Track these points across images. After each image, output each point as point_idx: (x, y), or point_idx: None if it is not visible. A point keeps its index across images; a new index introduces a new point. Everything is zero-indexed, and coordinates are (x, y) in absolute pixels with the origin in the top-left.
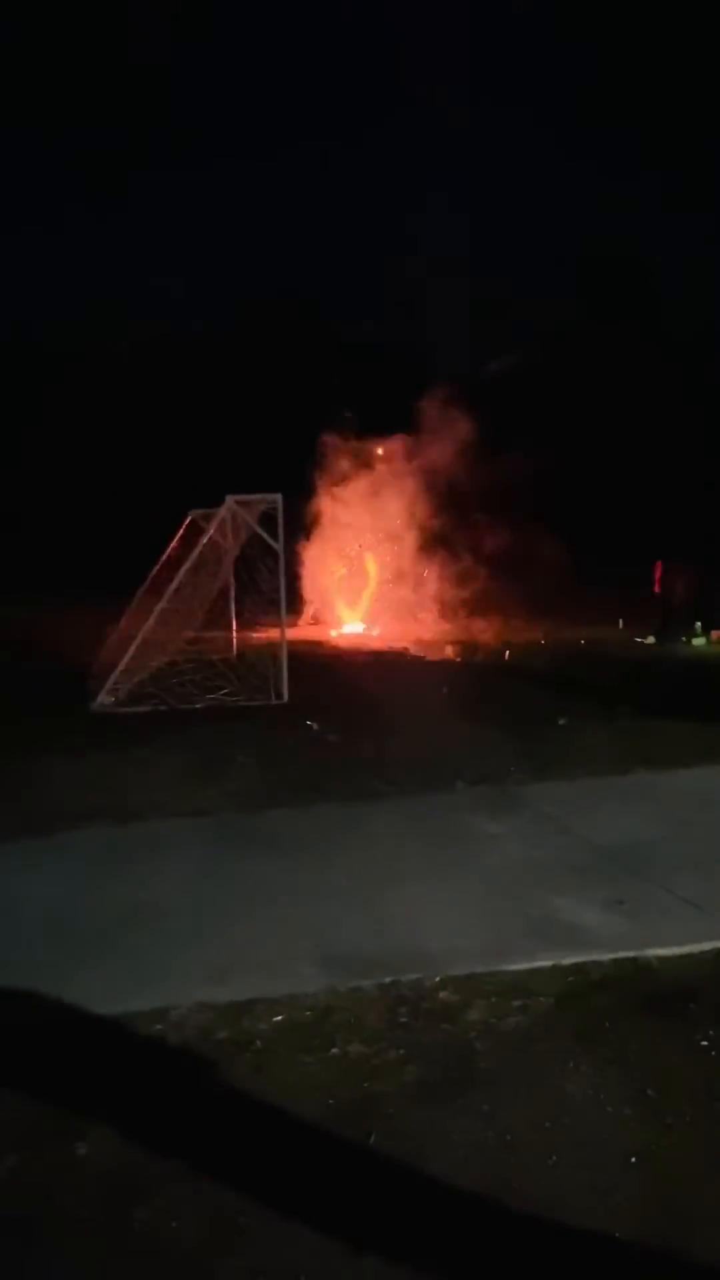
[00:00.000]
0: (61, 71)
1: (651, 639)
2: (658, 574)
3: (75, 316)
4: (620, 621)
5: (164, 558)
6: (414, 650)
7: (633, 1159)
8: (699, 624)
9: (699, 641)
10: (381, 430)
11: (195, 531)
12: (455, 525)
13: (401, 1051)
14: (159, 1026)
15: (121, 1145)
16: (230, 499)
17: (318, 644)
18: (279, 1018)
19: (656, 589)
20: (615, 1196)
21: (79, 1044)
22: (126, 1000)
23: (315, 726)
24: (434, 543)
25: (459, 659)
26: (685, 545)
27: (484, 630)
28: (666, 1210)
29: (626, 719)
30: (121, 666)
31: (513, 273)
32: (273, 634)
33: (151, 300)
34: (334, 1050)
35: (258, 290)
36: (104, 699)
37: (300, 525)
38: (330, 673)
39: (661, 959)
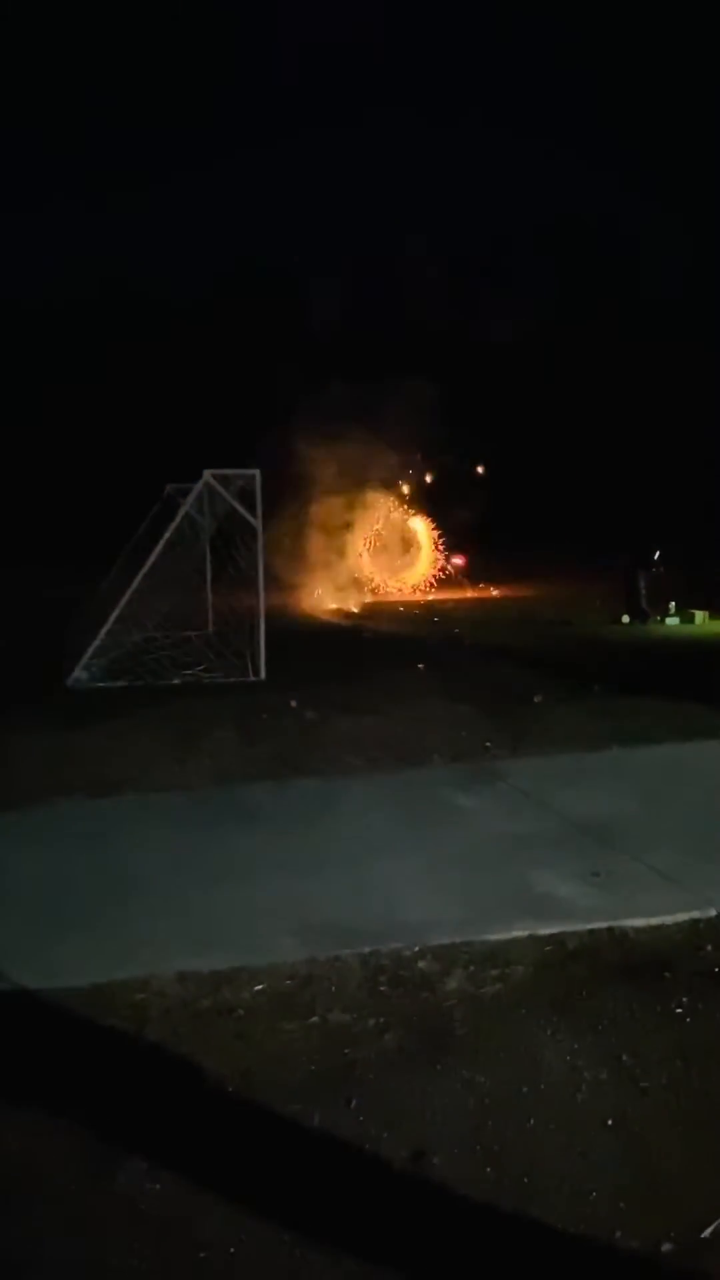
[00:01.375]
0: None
1: (626, 618)
2: (626, 555)
3: (49, 287)
4: (598, 601)
5: (139, 532)
6: (390, 626)
7: (609, 1122)
8: (673, 604)
9: (673, 621)
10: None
11: (171, 506)
12: (441, 501)
13: (381, 1019)
14: (140, 996)
15: (100, 1112)
16: (207, 474)
17: (295, 618)
18: (260, 987)
19: (623, 569)
20: (591, 1158)
21: (58, 1015)
22: (107, 971)
23: (294, 704)
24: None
25: (437, 636)
26: (656, 527)
27: (464, 606)
28: (641, 1171)
29: (601, 696)
30: (97, 642)
31: (491, 252)
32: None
33: (125, 273)
34: (314, 1018)
35: (237, 266)
36: (79, 675)
37: (284, 499)
38: (308, 649)
39: (637, 929)
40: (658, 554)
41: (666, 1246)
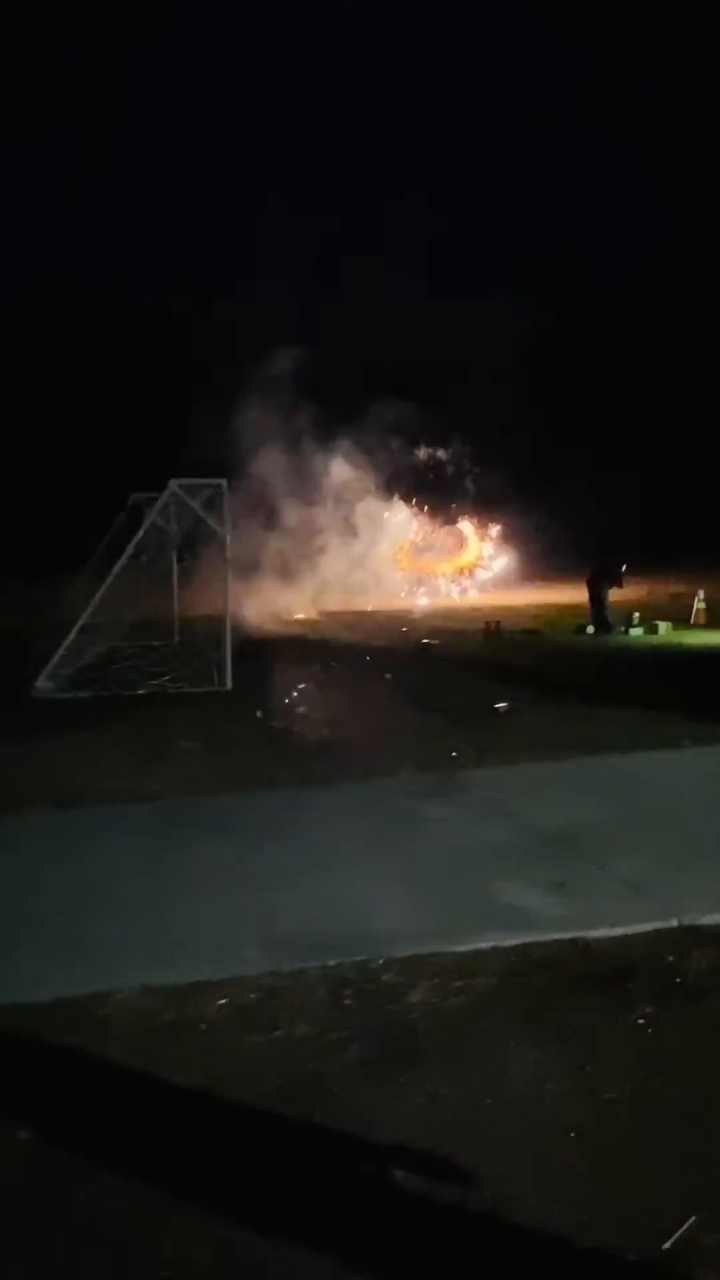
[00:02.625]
0: None
1: (591, 629)
2: (592, 568)
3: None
4: (563, 610)
5: (106, 542)
6: (358, 636)
7: (572, 1134)
8: (636, 614)
9: (636, 632)
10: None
11: (137, 515)
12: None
13: (345, 1032)
14: (103, 1010)
15: (63, 1129)
16: (173, 483)
17: (262, 628)
18: (224, 1000)
19: (588, 581)
20: (554, 1171)
21: (19, 1029)
22: (70, 985)
23: (260, 714)
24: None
25: (405, 645)
26: (622, 541)
27: (432, 616)
28: (604, 1183)
29: (566, 706)
30: (61, 651)
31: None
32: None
33: (92, 281)
34: (279, 1031)
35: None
36: (44, 684)
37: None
38: (275, 659)
39: (600, 940)
40: (624, 567)
41: (630, 1258)
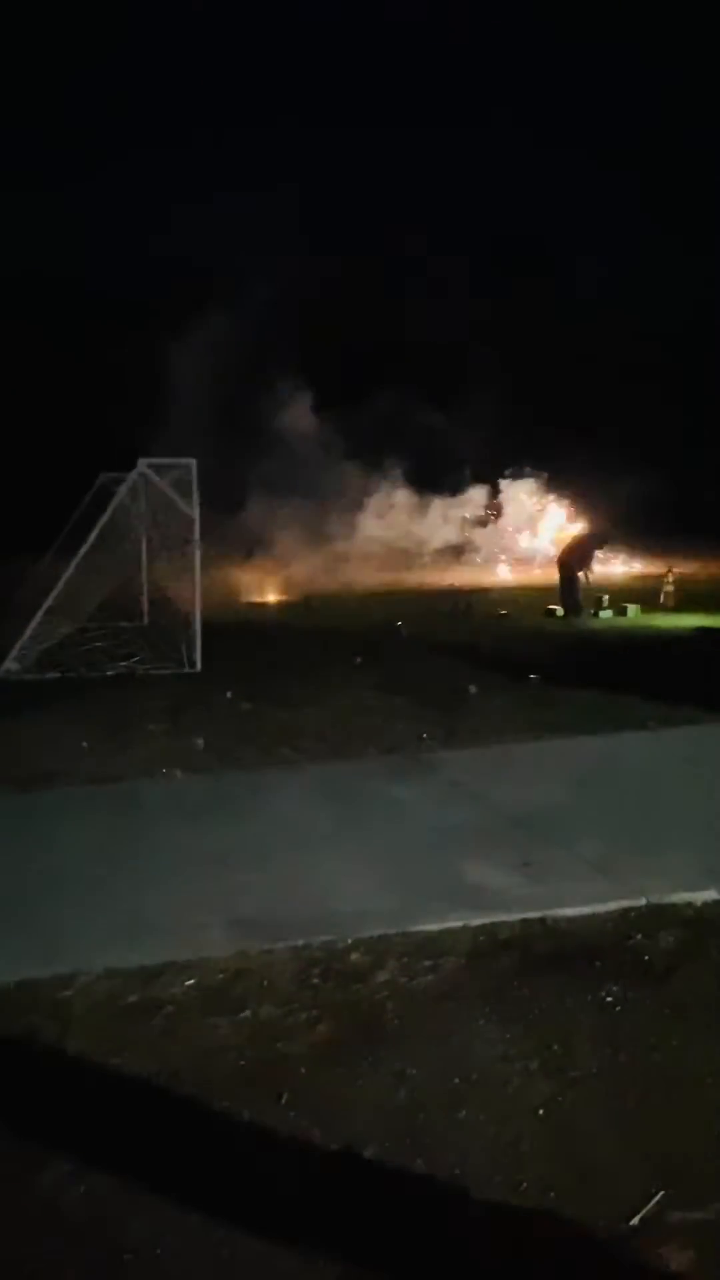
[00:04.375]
0: None
1: (560, 611)
2: (560, 549)
3: None
4: (532, 593)
5: (73, 520)
6: (327, 619)
7: (539, 1112)
8: (606, 597)
9: (606, 615)
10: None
11: (105, 495)
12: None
13: (313, 1012)
14: (66, 993)
15: (22, 1113)
16: (142, 462)
17: (233, 609)
18: (190, 981)
19: (557, 564)
20: (522, 1149)
21: None
22: (31, 967)
23: (230, 695)
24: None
25: (374, 628)
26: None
27: (401, 598)
28: (571, 1161)
29: (535, 688)
30: (28, 632)
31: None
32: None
33: (61, 258)
34: (245, 1013)
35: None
36: (10, 665)
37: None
38: (245, 641)
39: (567, 919)
40: (596, 552)
41: (596, 1234)
